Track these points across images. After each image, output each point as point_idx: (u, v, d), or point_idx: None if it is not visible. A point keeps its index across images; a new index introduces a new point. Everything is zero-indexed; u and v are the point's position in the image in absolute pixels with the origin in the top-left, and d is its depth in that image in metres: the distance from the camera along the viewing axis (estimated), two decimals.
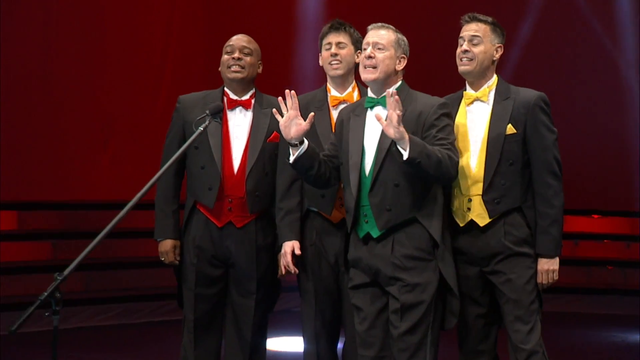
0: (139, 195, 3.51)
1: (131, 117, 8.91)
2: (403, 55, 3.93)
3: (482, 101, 4.06)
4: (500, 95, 4.04)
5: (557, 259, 4.02)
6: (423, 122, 3.80)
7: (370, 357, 3.88)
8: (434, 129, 3.80)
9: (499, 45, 4.09)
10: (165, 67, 9.18)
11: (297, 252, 4.16)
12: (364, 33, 4.08)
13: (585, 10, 9.82)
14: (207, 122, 3.90)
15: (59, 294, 3.21)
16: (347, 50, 4.23)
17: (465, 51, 4.02)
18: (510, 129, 3.98)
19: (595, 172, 9.60)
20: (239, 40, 4.39)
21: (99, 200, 8.59)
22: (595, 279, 9.40)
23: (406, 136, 3.62)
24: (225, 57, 4.37)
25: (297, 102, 3.83)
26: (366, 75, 3.89)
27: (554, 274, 4.02)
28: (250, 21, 9.09)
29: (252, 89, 4.40)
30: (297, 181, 4.20)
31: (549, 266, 4.00)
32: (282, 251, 4.19)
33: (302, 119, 3.81)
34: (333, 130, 4.13)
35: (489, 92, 4.06)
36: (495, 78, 4.08)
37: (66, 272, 3.25)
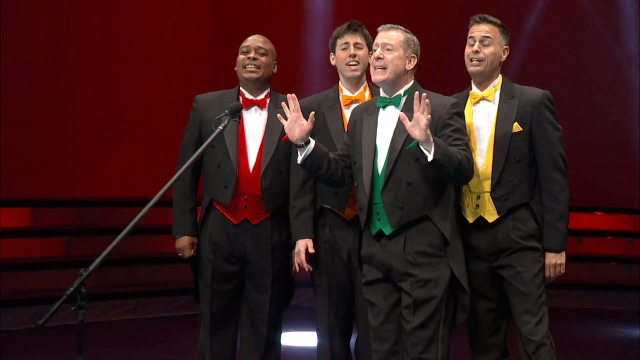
0: (160, 192, 3.54)
1: (140, 115, 8.92)
2: (413, 55, 3.94)
3: (488, 100, 4.11)
4: (506, 95, 4.10)
5: (563, 253, 4.09)
6: (437, 121, 3.82)
7: (384, 352, 3.91)
8: (448, 128, 3.83)
9: (506, 46, 4.16)
10: (173, 66, 9.18)
11: (311, 250, 4.20)
12: (370, 30, 4.13)
13: (588, 9, 9.81)
14: (226, 121, 3.92)
15: (84, 289, 3.25)
16: (364, 52, 4.27)
17: (476, 52, 4.07)
18: (516, 127, 4.05)
19: (598, 170, 9.58)
20: (254, 40, 4.44)
21: (111, 197, 8.62)
22: (599, 275, 9.41)
23: (431, 138, 3.64)
24: (241, 57, 4.42)
25: (298, 104, 3.86)
26: (376, 76, 3.92)
27: (561, 268, 4.09)
28: (257, 21, 9.09)
29: (267, 89, 4.45)
30: (310, 180, 4.23)
31: (556, 260, 4.07)
32: (296, 249, 4.24)
33: (304, 119, 3.84)
34: (345, 130, 4.17)
35: (494, 92, 4.11)
36: (500, 77, 4.14)
37: (91, 267, 3.31)
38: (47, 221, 8.37)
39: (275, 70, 4.49)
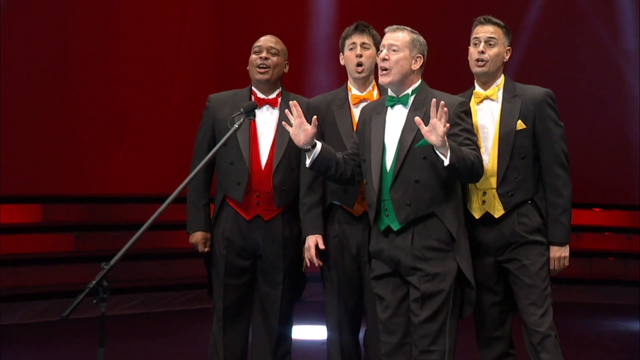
0: (178, 189, 3.61)
1: (145, 113, 8.94)
2: (419, 55, 3.98)
3: (491, 99, 4.18)
4: (509, 94, 4.17)
5: (567, 246, 4.16)
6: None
7: (393, 344, 3.96)
8: (457, 127, 3.87)
9: (509, 47, 4.23)
10: (177, 65, 9.18)
11: (321, 246, 4.26)
12: (376, 29, 4.18)
13: (587, 9, 9.82)
14: (242, 120, 3.99)
15: (106, 282, 3.29)
16: (371, 52, 4.31)
17: (482, 52, 4.14)
18: (520, 125, 4.12)
19: (597, 167, 9.53)
20: (266, 40, 4.50)
21: (118, 194, 8.66)
22: (597, 270, 9.42)
23: (447, 143, 3.68)
24: (253, 56, 4.47)
25: (300, 110, 3.92)
26: (381, 79, 3.97)
27: (565, 260, 4.17)
28: (261, 20, 9.10)
29: (278, 88, 4.50)
30: (319, 177, 4.29)
31: (560, 253, 4.15)
32: (306, 245, 4.29)
33: (308, 124, 3.90)
34: (354, 128, 4.22)
35: (498, 91, 4.18)
36: (502, 77, 4.22)
37: (112, 261, 3.35)
38: (57, 217, 8.40)
39: (286, 70, 4.54)
